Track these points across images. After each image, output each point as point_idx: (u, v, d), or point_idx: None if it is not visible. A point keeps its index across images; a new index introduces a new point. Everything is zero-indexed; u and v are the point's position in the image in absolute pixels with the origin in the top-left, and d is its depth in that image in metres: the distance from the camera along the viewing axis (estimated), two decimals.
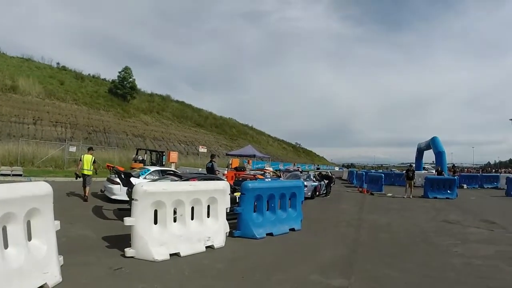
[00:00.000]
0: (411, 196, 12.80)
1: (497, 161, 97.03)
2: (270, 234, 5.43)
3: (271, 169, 19.93)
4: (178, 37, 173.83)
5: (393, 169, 41.52)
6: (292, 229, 5.92)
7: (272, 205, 5.74)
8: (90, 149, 8.73)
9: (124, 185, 6.71)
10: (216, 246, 4.51)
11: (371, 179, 16.52)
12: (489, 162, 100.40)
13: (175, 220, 4.24)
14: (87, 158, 8.13)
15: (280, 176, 14.27)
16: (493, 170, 47.11)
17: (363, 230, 6.71)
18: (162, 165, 14.63)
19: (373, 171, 27.30)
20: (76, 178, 8.42)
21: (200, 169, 16.52)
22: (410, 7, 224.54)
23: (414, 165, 22.13)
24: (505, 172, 36.03)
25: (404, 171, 14.39)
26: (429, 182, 13.92)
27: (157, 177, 7.90)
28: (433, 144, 24.12)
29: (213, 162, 10.23)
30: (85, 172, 8.02)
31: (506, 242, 6.17)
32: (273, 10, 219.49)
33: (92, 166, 8.11)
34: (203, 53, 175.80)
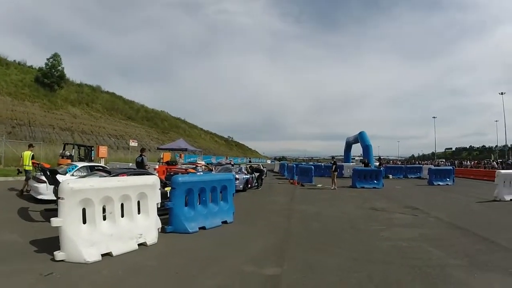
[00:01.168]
0: (335, 188, 17.56)
1: (421, 154, 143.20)
2: (203, 228, 7.16)
3: (203, 162, 25.49)
4: (111, 24, 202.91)
5: (319, 162, 57.55)
6: (225, 222, 7.85)
7: (204, 198, 7.60)
8: (30, 146, 12.71)
9: (50, 184, 8.37)
10: (148, 243, 5.83)
11: (302, 171, 22.27)
12: (413, 155, 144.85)
13: (104, 219, 5.41)
14: (26, 155, 11.78)
15: (212, 170, 18.57)
16: (417, 162, 64.09)
17: (294, 220, 8.98)
18: (91, 161, 18.21)
19: (303, 163, 37.44)
20: (18, 174, 12.52)
21: (130, 164, 20.51)
22: (345, 9, 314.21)
23: (336, 158, 29.16)
24: (427, 163, 49.15)
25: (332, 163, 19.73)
26: (356, 173, 19.79)
27: (85, 174, 10.00)
28: (360, 138, 34.46)
29: (143, 156, 13.36)
30: (26, 168, 11.44)
31: (429, 226, 8.77)
32: (211, 2, 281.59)
33: (30, 162, 11.49)
34: (137, 42, 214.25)
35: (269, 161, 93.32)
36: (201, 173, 14.71)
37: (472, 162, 55.08)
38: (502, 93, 59.51)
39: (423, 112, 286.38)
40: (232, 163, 26.50)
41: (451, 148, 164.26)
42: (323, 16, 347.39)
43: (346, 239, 7.06)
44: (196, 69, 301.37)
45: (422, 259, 5.73)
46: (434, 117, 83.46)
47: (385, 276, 4.86)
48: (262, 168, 19.39)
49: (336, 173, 18.33)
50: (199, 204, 7.48)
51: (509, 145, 59.58)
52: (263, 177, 18.42)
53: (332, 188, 17.61)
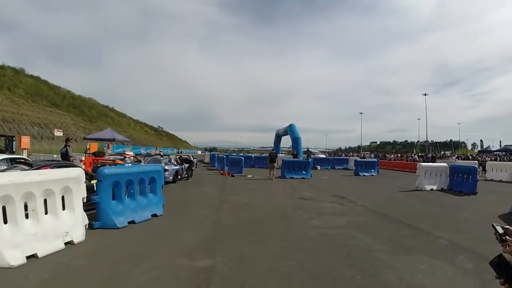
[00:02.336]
0: (272, 179, 18.74)
1: (347, 146, 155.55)
2: (132, 222, 7.21)
3: (131, 153, 26.49)
4: (39, 0, 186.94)
5: (249, 153, 61.86)
6: (154, 215, 8.03)
7: (132, 191, 7.72)
8: None
9: None
10: (76, 241, 5.73)
11: (232, 162, 23.62)
12: (340, 147, 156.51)
13: (27, 217, 5.23)
14: None
15: (141, 161, 19.39)
16: (343, 154, 68.84)
17: (224, 211, 9.35)
18: (12, 153, 17.68)
19: (234, 154, 38.34)
20: None
21: (55, 155, 19.97)
22: (283, 4, 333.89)
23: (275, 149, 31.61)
24: (352, 155, 53.25)
25: (268, 155, 21.13)
26: (285, 164, 21.26)
27: (5, 167, 9.59)
28: (290, 130, 37.53)
29: (67, 147, 13.26)
30: None
31: (355, 213, 9.45)
32: None
33: None
34: (66, 22, 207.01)
35: (199, 152, 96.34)
36: (130, 164, 15.06)
37: (395, 155, 61.27)
38: (425, 94, 67.84)
39: (351, 108, 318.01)
40: (161, 154, 27.08)
41: (376, 142, 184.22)
42: (261, 10, 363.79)
43: (277, 228, 7.33)
44: (127, 55, 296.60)
45: (351, 245, 6.13)
46: (361, 113, 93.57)
47: (316, 263, 5.06)
48: (192, 159, 20.16)
49: (274, 164, 19.33)
50: (127, 197, 7.56)
51: (429, 141, 68.66)
52: (193, 168, 19.11)
53: (271, 178, 18.83)
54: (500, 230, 1.95)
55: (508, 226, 2.01)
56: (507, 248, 1.91)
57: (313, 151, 46.35)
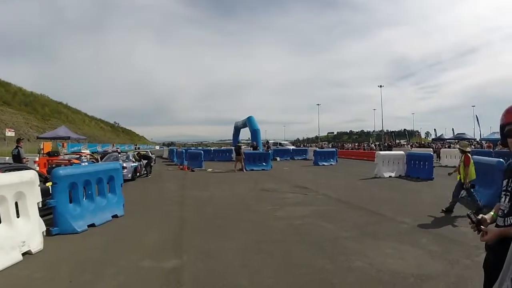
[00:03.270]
0: (236, 170, 19.57)
1: (305, 137, 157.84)
2: (92, 225, 6.96)
3: (88, 151, 26.15)
4: None
5: (208, 146, 63.23)
6: (115, 216, 7.83)
7: (90, 192, 7.49)
8: None
9: None
10: (34, 250, 5.41)
11: (191, 156, 23.78)
12: (298, 138, 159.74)
13: None
14: None
15: (98, 159, 19.28)
16: (302, 145, 70.64)
17: (187, 207, 9.25)
18: None
19: (193, 148, 37.96)
20: None
21: (7, 158, 19.06)
22: None
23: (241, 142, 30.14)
24: (311, 146, 54.57)
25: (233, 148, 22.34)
26: (246, 156, 21.15)
27: None
28: (249, 122, 37.98)
29: (19, 148, 12.95)
30: None
31: (318, 203, 9.68)
32: None
33: None
34: (14, 12, 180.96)
35: (157, 147, 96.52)
36: (86, 163, 14.80)
37: (353, 145, 63.74)
38: (380, 86, 71.36)
39: (308, 99, 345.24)
40: (118, 151, 26.38)
41: (333, 132, 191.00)
42: (219, 1, 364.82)
43: (242, 221, 7.37)
44: (81, 48, 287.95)
45: (318, 234, 6.26)
46: (318, 105, 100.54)
47: (286, 254, 5.09)
48: (150, 154, 19.89)
49: (240, 156, 19.92)
50: (85, 199, 7.34)
51: (385, 130, 72.61)
52: (152, 164, 19.12)
53: (236, 170, 19.66)
54: (475, 219, 2.08)
55: (481, 216, 2.15)
56: (484, 237, 2.05)
57: (282, 142, 46.89)
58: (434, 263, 4.68)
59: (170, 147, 52.84)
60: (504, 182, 2.19)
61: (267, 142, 40.41)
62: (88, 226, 6.83)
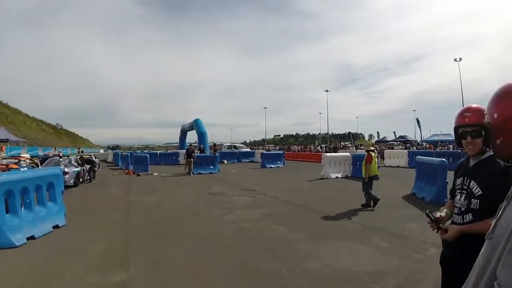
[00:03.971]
0: (187, 172, 19.55)
1: (252, 140, 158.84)
2: (32, 238, 6.42)
3: (27, 155, 23.94)
4: None
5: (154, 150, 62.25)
6: (56, 226, 7.27)
7: (28, 200, 6.92)
8: None
9: None
10: None
11: (137, 160, 23.28)
12: (245, 141, 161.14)
13: None
14: None
15: (38, 164, 17.81)
16: (249, 148, 71.76)
17: (133, 213, 8.94)
18: None
19: (138, 151, 38.13)
20: None
21: None
22: None
23: (193, 145, 30.85)
24: (258, 148, 55.18)
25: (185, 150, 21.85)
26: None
27: None
28: (196, 125, 37.97)
29: None
30: None
31: (267, 205, 9.71)
32: None
33: None
34: None
35: (102, 151, 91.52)
36: (25, 168, 13.87)
37: (299, 147, 65.43)
38: (327, 91, 74.84)
39: (255, 102, 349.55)
40: (60, 154, 25.10)
41: (280, 135, 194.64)
42: (170, 1, 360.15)
43: (190, 227, 7.17)
44: (21, 42, 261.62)
45: (269, 237, 6.22)
46: (265, 108, 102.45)
47: (238, 260, 4.97)
48: (94, 158, 19.25)
49: (191, 159, 19.91)
50: (23, 208, 6.74)
51: (330, 133, 76.39)
52: (95, 169, 18.35)
53: (186, 173, 19.70)
54: (433, 218, 2.16)
55: (439, 214, 2.24)
56: (444, 235, 2.12)
57: (237, 145, 46.93)
58: (386, 259, 4.82)
59: (114, 150, 51.05)
60: (459, 181, 2.28)
61: (214, 145, 40.43)
62: (27, 238, 6.29)
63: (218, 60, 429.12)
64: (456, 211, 2.23)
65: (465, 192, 2.18)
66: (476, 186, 2.11)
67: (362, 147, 11.39)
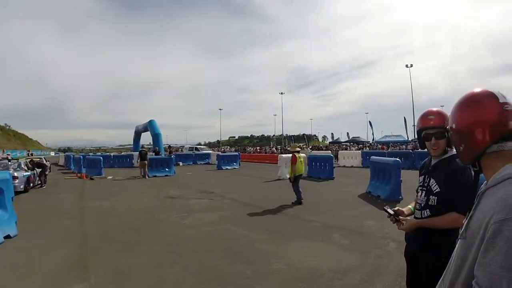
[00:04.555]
0: (142, 175, 19.34)
1: (207, 141, 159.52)
2: None
3: None
4: None
5: (107, 152, 59.34)
6: (7, 236, 6.78)
7: None
8: None
9: None
10: None
11: (90, 162, 22.50)
12: (199, 142, 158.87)
13: None
14: None
15: None
16: (212, 150, 73.08)
17: (89, 220, 8.54)
18: None
19: (91, 154, 36.27)
20: None
21: None
22: None
23: (145, 147, 30.14)
24: (214, 150, 55.06)
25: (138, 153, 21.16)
26: (148, 162, 20.40)
27: None
28: (150, 126, 37.62)
29: None
30: None
31: (226, 207, 9.66)
32: None
33: None
34: None
35: (53, 153, 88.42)
36: None
37: (254, 148, 65.90)
38: (281, 93, 77.55)
39: (211, 104, 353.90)
40: (9, 158, 24.01)
41: (235, 137, 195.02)
42: None
43: (150, 233, 6.92)
44: None
45: (231, 240, 6.18)
46: (220, 109, 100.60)
47: (201, 264, 4.89)
48: (45, 162, 18.28)
49: (145, 162, 19.65)
50: None
51: (285, 135, 78.13)
52: (47, 173, 17.44)
53: (142, 175, 19.28)
54: (392, 212, 2.29)
55: (397, 207, 2.39)
56: (401, 226, 2.27)
57: (198, 147, 46.35)
58: (348, 256, 4.96)
59: (66, 153, 48.40)
60: (421, 179, 2.43)
61: (169, 146, 39.86)
62: None
63: (177, 60, 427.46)
64: (417, 206, 2.37)
65: (425, 189, 2.34)
66: (435, 183, 2.26)
67: (289, 149, 12.41)
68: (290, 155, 10.66)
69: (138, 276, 4.55)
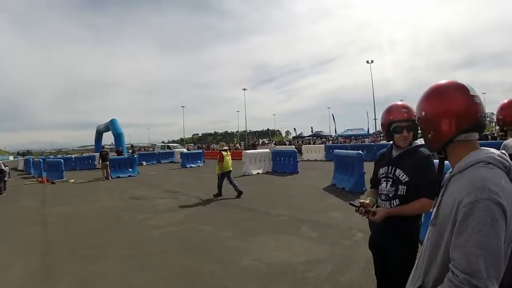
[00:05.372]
0: (105, 177, 18.98)
1: (170, 139, 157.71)
2: None
3: None
4: None
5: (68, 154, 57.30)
6: None
7: None
8: None
9: None
10: None
11: (50, 166, 21.82)
12: (163, 141, 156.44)
13: None
14: None
15: None
16: (186, 148, 72.86)
17: (51, 226, 8.25)
18: None
19: (51, 157, 35.36)
20: None
21: None
22: None
23: (106, 148, 29.12)
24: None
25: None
26: (110, 162, 20.01)
27: None
28: (112, 126, 36.44)
29: None
30: None
31: (192, 205, 9.55)
32: None
33: None
34: None
35: (11, 158, 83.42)
36: None
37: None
38: (244, 89, 78.87)
39: (173, 101, 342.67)
40: None
41: (198, 134, 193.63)
42: None
43: (115, 236, 6.72)
44: None
45: (198, 238, 6.12)
46: (183, 106, 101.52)
47: (170, 266, 4.80)
48: (3, 167, 17.42)
49: (106, 162, 19.29)
50: None
51: (248, 131, 79.04)
52: (6, 179, 16.61)
53: (105, 177, 18.91)
54: (358, 205, 2.34)
55: (362, 200, 2.41)
56: (373, 216, 2.30)
57: (171, 145, 44.96)
58: (317, 248, 5.05)
59: (25, 156, 46.37)
60: (382, 170, 2.49)
61: (132, 146, 38.90)
62: None
63: (137, 57, 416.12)
64: (384, 197, 2.43)
65: (391, 179, 2.40)
66: (403, 173, 2.34)
67: (217, 148, 13.27)
68: (255, 150, 10.89)
69: (105, 283, 4.40)
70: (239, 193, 10.32)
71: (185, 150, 38.70)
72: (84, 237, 6.95)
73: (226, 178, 10.67)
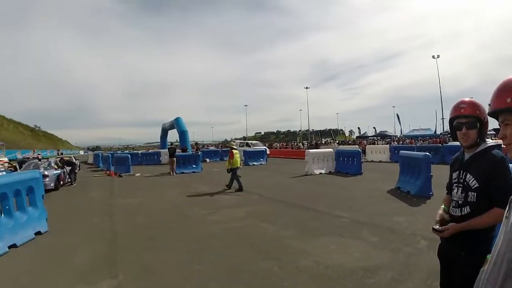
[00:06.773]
0: (173, 173, 19.96)
1: (233, 138, 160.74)
2: (13, 246, 6.18)
3: (5, 159, 23.99)
4: None
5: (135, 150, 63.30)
6: (38, 233, 7.03)
7: (7, 207, 6.63)
8: None
9: None
10: None
11: (118, 160, 23.34)
12: (226, 139, 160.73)
13: None
14: None
15: (16, 168, 18.44)
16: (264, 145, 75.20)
17: (117, 217, 8.73)
18: None
19: (119, 152, 37.83)
20: None
21: None
22: None
23: (175, 144, 31.91)
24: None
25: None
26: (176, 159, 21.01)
27: None
28: (176, 124, 38.40)
29: None
30: None
31: (253, 203, 9.68)
32: None
33: None
34: None
35: (82, 152, 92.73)
36: (3, 173, 14.07)
37: (281, 144, 65.92)
38: (307, 88, 79.11)
39: (235, 100, 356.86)
40: (40, 157, 25.32)
41: (261, 132, 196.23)
42: None
43: (178, 230, 6.99)
44: None
45: (258, 236, 6.17)
46: (246, 105, 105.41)
47: (228, 261, 4.89)
48: (74, 160, 18.84)
49: (174, 158, 20.16)
50: (2, 215, 6.49)
51: (311, 130, 78.29)
52: (76, 171, 18.05)
53: (169, 172, 19.92)
54: (440, 229, 2.15)
55: (440, 217, 2.27)
56: (444, 234, 2.15)
57: (249, 142, 46.52)
58: (378, 254, 4.84)
59: (95, 151, 50.48)
60: (455, 175, 2.32)
61: (196, 143, 40.35)
62: (9, 247, 6.03)
63: (199, 58, 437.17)
64: (454, 204, 2.26)
65: (461, 185, 2.21)
66: (473, 178, 2.14)
67: (227, 145, 14.17)
68: (318, 150, 10.94)
69: (166, 273, 4.60)
70: (240, 187, 12.10)
71: (265, 147, 38.66)
72: (147, 229, 7.28)
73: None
